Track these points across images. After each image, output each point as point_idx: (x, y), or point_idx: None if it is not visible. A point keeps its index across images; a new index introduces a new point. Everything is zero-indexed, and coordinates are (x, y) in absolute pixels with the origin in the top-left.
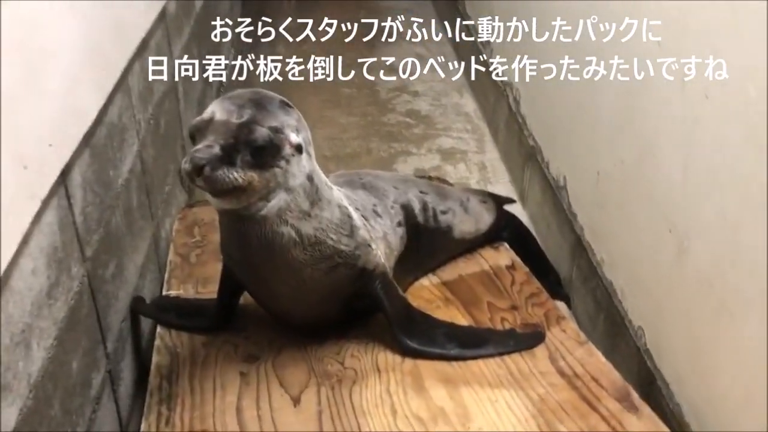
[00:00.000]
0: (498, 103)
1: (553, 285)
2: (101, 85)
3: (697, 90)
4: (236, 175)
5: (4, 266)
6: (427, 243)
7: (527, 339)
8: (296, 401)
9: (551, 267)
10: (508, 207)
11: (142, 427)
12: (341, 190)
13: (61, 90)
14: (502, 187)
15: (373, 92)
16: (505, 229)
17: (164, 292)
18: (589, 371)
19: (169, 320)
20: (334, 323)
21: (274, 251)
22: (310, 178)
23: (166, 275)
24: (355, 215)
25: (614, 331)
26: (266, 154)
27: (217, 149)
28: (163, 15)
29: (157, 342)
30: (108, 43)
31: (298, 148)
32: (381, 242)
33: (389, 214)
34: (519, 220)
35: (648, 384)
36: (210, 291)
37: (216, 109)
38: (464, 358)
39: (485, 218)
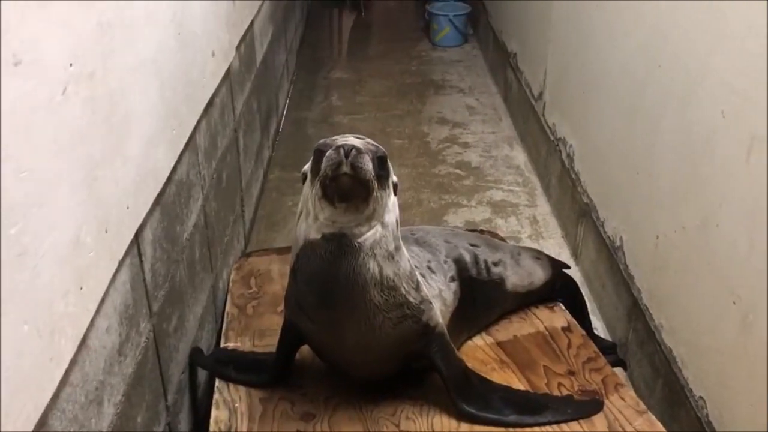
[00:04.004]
0: (550, 157)
1: (607, 350)
2: (174, 146)
3: (763, 162)
4: (372, 167)
5: (85, 327)
6: (480, 297)
7: (585, 407)
8: None
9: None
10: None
11: None
12: None
13: (140, 154)
14: (554, 242)
15: (424, 144)
16: (561, 291)
17: (222, 344)
18: None
19: (228, 374)
20: (388, 380)
21: (357, 287)
22: (397, 222)
23: (224, 327)
24: (416, 271)
25: (673, 399)
26: (383, 169)
27: (357, 145)
28: (228, 73)
29: (216, 396)
30: (181, 104)
31: (395, 188)
32: (437, 300)
33: (442, 270)
34: (576, 284)
35: None
36: (266, 344)
37: (338, 137)
38: (522, 425)
39: (538, 273)
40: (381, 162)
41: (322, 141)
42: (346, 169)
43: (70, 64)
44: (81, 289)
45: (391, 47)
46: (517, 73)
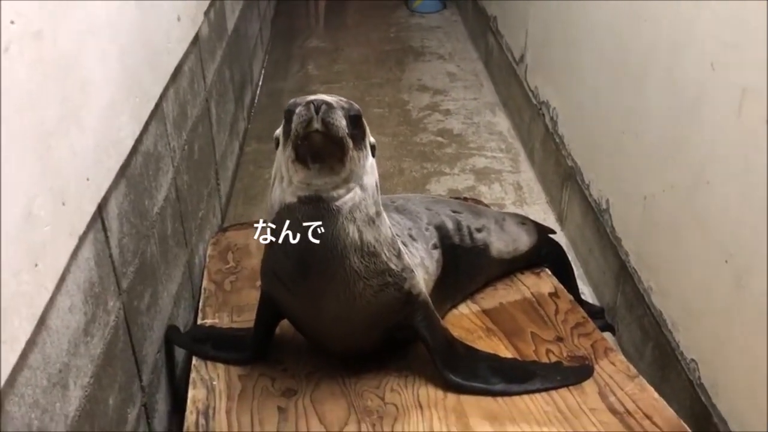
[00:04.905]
0: (533, 121)
1: (595, 315)
2: (137, 115)
3: (755, 115)
4: (345, 123)
5: (42, 306)
6: (464, 264)
7: (575, 373)
8: None
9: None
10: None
11: None
12: None
13: (100, 122)
14: (539, 208)
15: (404, 112)
16: (547, 257)
17: (199, 321)
18: (641, 408)
19: (205, 351)
20: (371, 352)
21: (336, 253)
22: (377, 185)
23: (200, 303)
24: (397, 240)
25: (664, 363)
26: (358, 127)
27: (328, 101)
28: (196, 39)
29: (192, 375)
30: (144, 71)
31: (372, 149)
32: (419, 269)
33: (424, 237)
34: (562, 249)
35: (703, 420)
36: (245, 320)
37: (308, 95)
38: (510, 394)
39: (523, 239)
40: (355, 120)
41: (292, 101)
42: (317, 125)
43: (12, 22)
44: (36, 266)
45: (368, 14)
46: (497, 37)
